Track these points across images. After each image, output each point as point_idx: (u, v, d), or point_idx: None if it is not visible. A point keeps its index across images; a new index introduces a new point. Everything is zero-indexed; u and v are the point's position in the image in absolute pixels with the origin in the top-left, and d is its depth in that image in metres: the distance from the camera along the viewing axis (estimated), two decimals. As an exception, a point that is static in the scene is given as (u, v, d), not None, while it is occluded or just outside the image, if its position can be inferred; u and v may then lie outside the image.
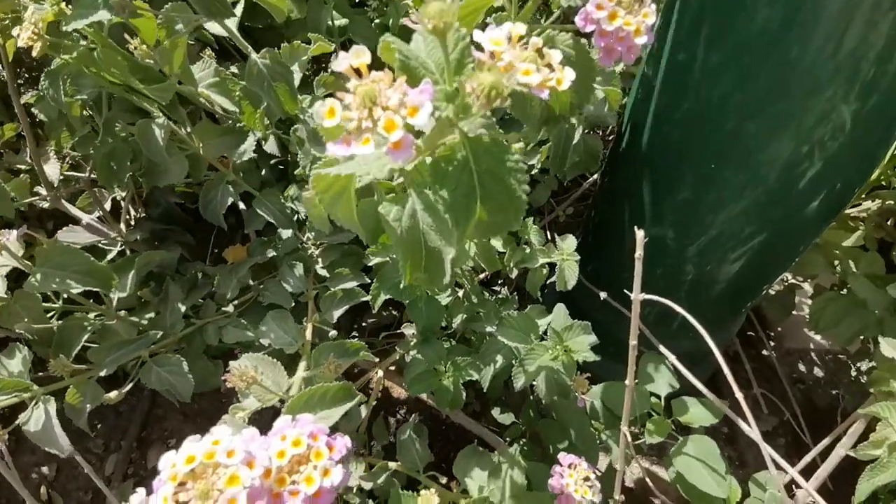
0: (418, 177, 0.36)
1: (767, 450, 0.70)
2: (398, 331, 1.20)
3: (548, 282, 1.01)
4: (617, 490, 0.73)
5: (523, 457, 0.80)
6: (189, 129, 0.81)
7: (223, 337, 0.90)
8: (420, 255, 0.43)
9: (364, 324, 1.34)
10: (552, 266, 0.94)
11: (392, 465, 0.83)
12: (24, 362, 0.71)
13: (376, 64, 0.31)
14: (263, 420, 0.89)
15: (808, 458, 0.89)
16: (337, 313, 0.89)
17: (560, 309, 0.89)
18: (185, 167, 0.80)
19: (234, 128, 0.82)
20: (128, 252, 0.93)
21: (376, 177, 0.33)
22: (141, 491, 0.40)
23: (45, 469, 1.26)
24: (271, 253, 1.00)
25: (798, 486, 0.78)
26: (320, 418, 0.51)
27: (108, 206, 1.05)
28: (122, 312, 0.83)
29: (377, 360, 0.78)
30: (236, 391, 0.60)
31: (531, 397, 1.30)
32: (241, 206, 1.06)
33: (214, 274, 0.96)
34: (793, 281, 1.43)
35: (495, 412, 1.30)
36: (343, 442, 0.40)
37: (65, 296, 0.84)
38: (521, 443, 1.11)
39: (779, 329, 1.54)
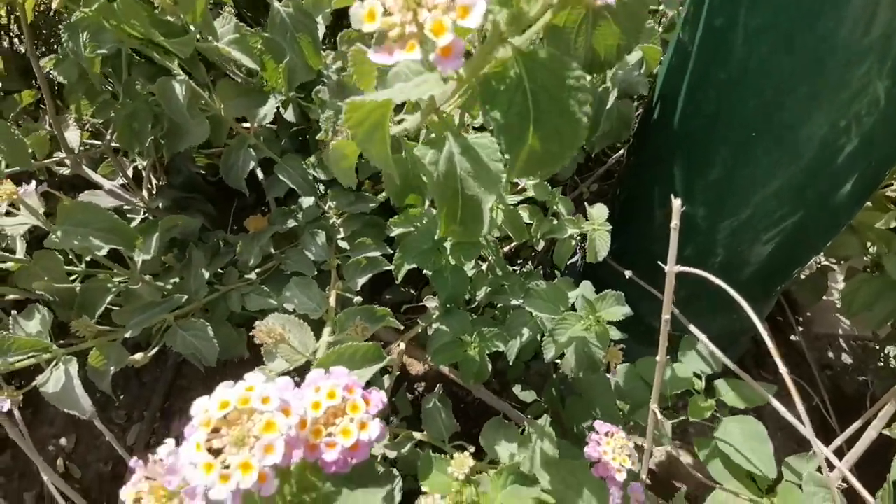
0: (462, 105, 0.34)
1: (807, 430, 0.67)
2: (419, 304, 1.18)
3: (569, 262, 0.99)
4: (644, 470, 0.71)
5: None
6: (210, 90, 0.79)
7: (246, 304, 0.89)
8: (457, 203, 0.40)
9: (384, 300, 1.32)
10: (582, 238, 0.91)
11: (417, 434, 0.81)
12: (43, 323, 0.70)
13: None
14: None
15: (838, 442, 0.86)
16: (361, 281, 0.87)
17: (587, 284, 0.87)
18: (207, 129, 0.78)
19: (255, 88, 0.80)
20: (151, 219, 0.92)
21: (419, 97, 0.31)
22: (170, 441, 0.38)
23: (63, 441, 1.26)
24: (292, 223, 0.98)
25: (831, 468, 0.76)
26: (350, 378, 0.49)
27: (129, 174, 1.04)
28: (147, 277, 0.82)
29: (401, 327, 0.76)
30: (263, 356, 0.58)
31: (554, 376, 1.28)
32: (261, 176, 1.04)
33: (236, 242, 0.95)
34: (825, 263, 1.40)
35: (516, 390, 1.28)
36: (379, 396, 0.38)
37: (87, 259, 0.83)
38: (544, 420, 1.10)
39: (808, 314, 1.51)
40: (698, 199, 0.89)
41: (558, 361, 1.23)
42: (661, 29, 0.91)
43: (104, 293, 0.75)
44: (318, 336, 0.68)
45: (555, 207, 0.91)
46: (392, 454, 0.75)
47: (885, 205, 1.19)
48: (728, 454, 0.77)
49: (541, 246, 0.98)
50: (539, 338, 0.85)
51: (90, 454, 1.26)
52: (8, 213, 0.71)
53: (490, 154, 0.37)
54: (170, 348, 1.30)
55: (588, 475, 0.57)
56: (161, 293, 0.81)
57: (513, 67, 0.30)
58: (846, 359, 1.47)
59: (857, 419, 0.89)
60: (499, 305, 1.02)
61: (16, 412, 0.94)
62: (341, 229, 1.00)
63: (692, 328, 0.83)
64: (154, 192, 1.03)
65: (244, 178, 0.87)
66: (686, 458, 1.15)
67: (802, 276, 1.33)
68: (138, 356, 0.74)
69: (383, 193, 1.09)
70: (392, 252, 0.96)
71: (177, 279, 0.86)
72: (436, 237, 0.74)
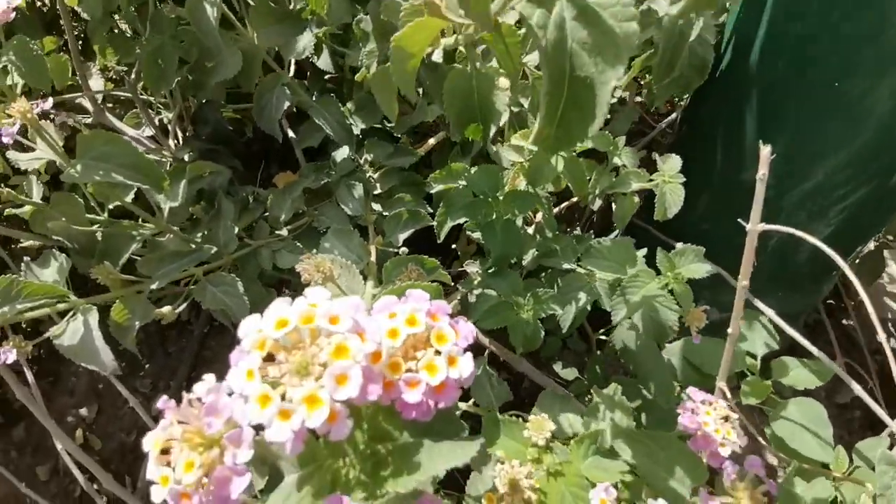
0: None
1: (879, 409, 0.59)
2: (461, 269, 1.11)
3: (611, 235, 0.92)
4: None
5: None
6: (244, 9, 0.71)
7: (277, 261, 0.82)
8: (563, 85, 0.32)
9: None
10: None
11: (462, 405, 0.74)
12: (60, 271, 0.64)
13: None
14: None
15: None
16: (402, 236, 0.80)
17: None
18: (239, 59, 0.70)
19: (293, 14, 0.72)
20: (178, 165, 0.85)
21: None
22: (209, 377, 0.31)
23: (83, 411, 1.22)
24: (324, 179, 0.91)
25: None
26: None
27: (155, 124, 0.98)
28: (174, 229, 0.75)
29: (451, 283, 0.69)
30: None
31: (598, 352, 1.20)
32: (291, 133, 0.97)
33: (266, 196, 0.88)
34: (883, 240, 1.31)
35: (557, 367, 1.21)
36: (469, 328, 0.31)
37: (110, 207, 0.76)
38: (587, 400, 1.03)
39: (859, 298, 1.43)
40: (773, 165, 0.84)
41: (604, 337, 1.15)
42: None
43: (128, 241, 0.69)
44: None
45: (616, 160, 0.82)
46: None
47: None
48: (784, 438, 0.69)
49: (597, 205, 0.90)
50: (602, 299, 0.77)
51: (112, 424, 1.21)
52: (24, 149, 0.65)
53: (617, 14, 0.29)
54: (196, 320, 1.26)
55: (680, 449, 0.49)
56: (189, 246, 0.74)
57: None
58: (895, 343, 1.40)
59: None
60: (548, 271, 0.94)
61: (29, 375, 0.88)
62: (378, 185, 0.93)
63: (757, 302, 0.78)
64: (181, 143, 0.96)
65: (278, 120, 0.79)
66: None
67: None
68: (165, 309, 0.67)
69: (423, 148, 1.01)
70: (432, 212, 0.89)
71: (205, 232, 0.79)
72: (536, 138, 0.63)
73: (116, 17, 0.87)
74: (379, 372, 0.28)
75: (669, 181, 0.74)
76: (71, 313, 0.63)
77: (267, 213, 0.88)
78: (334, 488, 0.28)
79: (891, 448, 0.65)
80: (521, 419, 0.67)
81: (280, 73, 0.78)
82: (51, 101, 0.56)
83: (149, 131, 0.95)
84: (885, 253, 1.32)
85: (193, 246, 0.74)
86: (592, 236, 1.01)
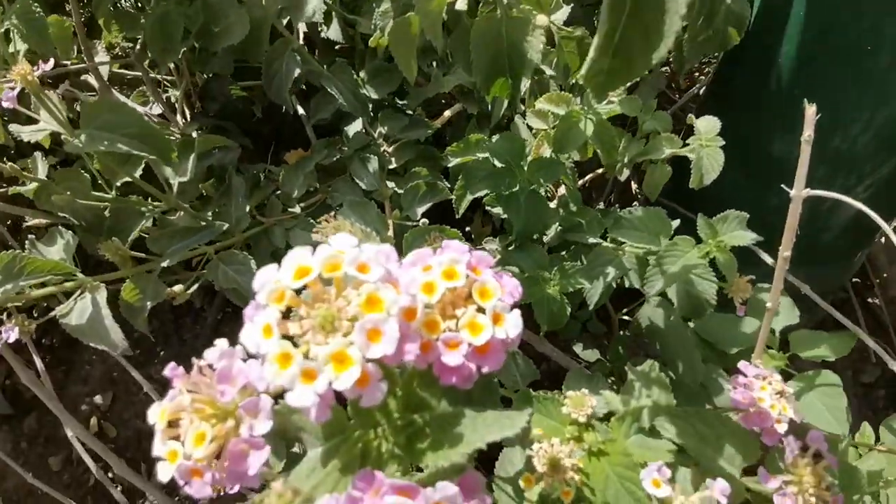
0: None
1: None
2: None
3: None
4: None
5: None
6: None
7: (290, 240, 0.78)
8: (623, 9, 0.27)
9: (434, 248, 1.22)
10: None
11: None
12: (66, 248, 0.61)
13: None
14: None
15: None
16: (421, 209, 0.76)
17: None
18: (247, 24, 0.67)
19: (304, -27, 0.68)
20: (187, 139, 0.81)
21: None
22: (221, 341, 0.28)
23: (98, 399, 1.20)
24: (337, 155, 0.87)
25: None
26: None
27: (163, 100, 0.94)
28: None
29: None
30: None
31: (621, 332, 1.17)
32: (301, 110, 0.94)
33: (278, 173, 0.84)
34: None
35: (577, 348, 1.18)
36: (514, 282, 0.27)
37: (118, 184, 0.73)
38: (609, 381, 1.00)
39: (884, 275, 1.38)
40: (796, 136, 0.79)
41: (627, 317, 1.11)
42: None
43: (137, 217, 0.66)
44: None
45: (646, 126, 0.77)
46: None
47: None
48: (803, 411, 0.66)
49: (624, 175, 0.85)
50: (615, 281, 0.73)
51: (127, 411, 1.20)
52: (29, 121, 0.62)
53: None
54: (210, 306, 1.24)
55: (730, 427, 0.45)
56: (199, 223, 0.71)
57: None
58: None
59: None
60: (571, 247, 0.90)
61: (38, 361, 0.86)
62: (392, 160, 0.89)
63: (791, 278, 0.77)
64: (189, 120, 0.93)
65: (288, 89, 0.76)
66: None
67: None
68: (177, 288, 0.64)
69: (438, 121, 0.97)
70: (450, 186, 0.85)
71: (216, 209, 0.76)
72: (577, 76, 0.58)
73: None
74: (415, 331, 0.24)
75: (707, 144, 0.69)
76: (78, 292, 0.60)
77: (279, 191, 0.85)
78: (365, 462, 0.24)
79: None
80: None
81: (289, 37, 0.74)
82: (52, 62, 0.53)
83: (157, 108, 0.92)
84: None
85: (204, 223, 0.71)
86: (618, 210, 0.97)
